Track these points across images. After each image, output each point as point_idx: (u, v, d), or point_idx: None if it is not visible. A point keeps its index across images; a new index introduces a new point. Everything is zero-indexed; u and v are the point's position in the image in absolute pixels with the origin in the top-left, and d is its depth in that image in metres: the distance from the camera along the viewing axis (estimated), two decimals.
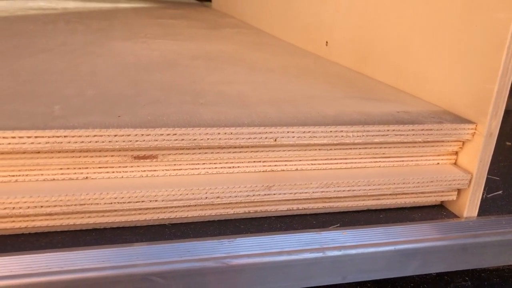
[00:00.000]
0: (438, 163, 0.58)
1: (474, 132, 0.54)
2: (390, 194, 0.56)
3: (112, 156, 0.48)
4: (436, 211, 0.59)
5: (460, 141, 0.57)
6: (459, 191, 0.58)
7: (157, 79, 0.68)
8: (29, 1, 1.96)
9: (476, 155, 0.54)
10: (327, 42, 0.98)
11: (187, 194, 0.48)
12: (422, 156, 0.58)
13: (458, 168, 0.57)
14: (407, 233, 0.53)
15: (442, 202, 0.61)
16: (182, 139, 0.47)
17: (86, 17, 1.49)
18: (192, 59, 0.86)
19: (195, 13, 1.88)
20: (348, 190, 0.53)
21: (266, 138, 0.50)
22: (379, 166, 0.56)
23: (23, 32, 1.09)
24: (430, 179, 0.55)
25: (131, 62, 0.80)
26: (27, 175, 0.47)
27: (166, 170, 0.50)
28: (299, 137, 0.50)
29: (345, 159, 0.55)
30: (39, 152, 0.46)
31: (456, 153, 0.58)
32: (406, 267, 0.52)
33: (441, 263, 0.53)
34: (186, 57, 0.89)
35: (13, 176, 0.46)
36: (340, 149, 0.54)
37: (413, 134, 0.54)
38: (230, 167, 0.52)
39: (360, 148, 0.54)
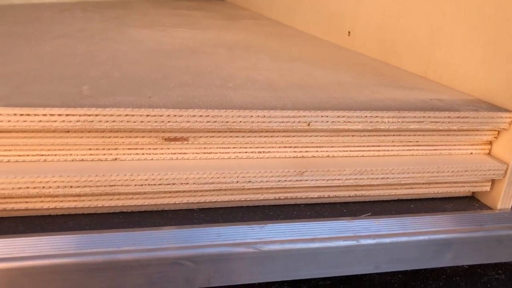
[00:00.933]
0: (471, 153, 0.57)
1: (511, 121, 0.53)
2: (423, 183, 0.54)
3: (142, 137, 0.46)
4: (468, 202, 0.58)
5: (495, 130, 0.55)
6: (493, 182, 0.56)
7: (182, 64, 0.67)
8: None
9: None
10: (349, 32, 0.96)
11: (218, 177, 0.47)
12: (455, 145, 0.56)
13: (492, 158, 0.56)
14: (441, 223, 0.51)
15: (473, 193, 0.59)
16: (215, 121, 0.46)
17: (101, 6, 1.48)
18: (214, 47, 0.85)
19: (210, 5, 1.86)
20: (382, 178, 0.51)
21: (299, 122, 0.48)
22: (412, 155, 0.55)
23: (40, 18, 1.08)
24: (464, 169, 0.54)
25: (152, 48, 0.79)
26: (55, 154, 0.46)
27: (196, 153, 0.49)
28: (333, 121, 0.49)
29: (378, 146, 0.53)
30: (68, 131, 0.45)
31: (490, 143, 0.57)
32: (440, 258, 0.51)
33: (476, 254, 0.52)
34: (208, 45, 0.87)
35: (42, 155, 0.45)
36: (373, 135, 0.52)
37: (449, 122, 0.52)
38: (260, 152, 0.51)
39: (393, 135, 0.53)
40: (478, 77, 0.59)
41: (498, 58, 0.55)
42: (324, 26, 1.09)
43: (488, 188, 0.56)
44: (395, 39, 0.79)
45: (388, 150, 0.54)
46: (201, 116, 0.46)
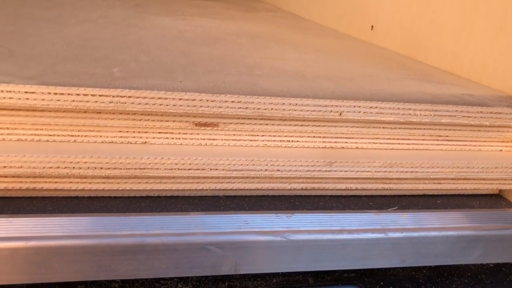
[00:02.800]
0: (501, 150, 0.56)
1: None
2: (452, 179, 0.54)
3: (173, 121, 0.46)
4: (495, 200, 0.57)
5: None
6: None
7: (207, 52, 0.67)
8: None
9: None
10: (372, 27, 0.95)
11: (247, 164, 0.47)
12: (485, 141, 0.55)
13: None
14: (469, 220, 0.51)
15: (500, 191, 0.58)
16: (246, 108, 0.46)
17: None
18: (237, 37, 0.84)
19: None
20: (411, 172, 0.51)
21: (331, 111, 0.48)
22: (442, 149, 0.54)
23: (62, 4, 1.08)
24: (494, 165, 0.53)
25: (176, 36, 0.78)
26: (86, 136, 0.46)
27: (226, 139, 0.49)
28: (365, 112, 0.48)
29: (408, 139, 0.53)
30: (100, 113, 0.45)
31: None
32: (468, 254, 0.50)
33: (505, 253, 0.51)
34: (230, 34, 0.87)
35: (72, 136, 0.45)
36: (404, 128, 0.52)
37: (481, 117, 0.51)
38: (289, 141, 0.50)
39: (424, 129, 0.52)
40: (508, 74, 0.58)
41: None
42: (346, 20, 1.07)
43: None
44: (421, 33, 0.78)
45: (418, 144, 0.53)
46: (233, 101, 0.45)
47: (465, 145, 0.55)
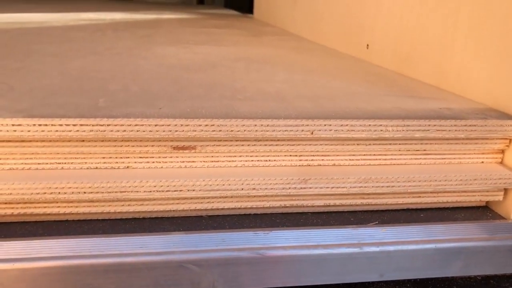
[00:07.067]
0: (482, 162, 0.56)
1: None
2: (431, 192, 0.54)
3: (152, 146, 0.49)
4: (481, 212, 0.57)
5: (506, 138, 0.54)
6: (506, 191, 0.55)
7: (199, 78, 0.70)
8: (81, 13, 2.06)
9: None
10: (367, 45, 0.97)
11: (223, 184, 0.49)
12: (465, 154, 0.56)
13: (504, 167, 0.55)
14: (449, 232, 0.51)
15: (487, 203, 0.58)
16: (220, 130, 0.48)
17: (132, 26, 1.55)
18: (233, 61, 0.88)
19: (238, 23, 1.91)
20: (387, 186, 0.52)
21: (302, 130, 0.49)
22: (420, 163, 0.55)
23: (74, 38, 1.14)
24: (473, 177, 0.53)
25: (174, 64, 0.82)
26: (71, 163, 0.49)
27: (204, 161, 0.51)
28: (336, 130, 0.50)
29: (385, 155, 0.54)
30: (83, 141, 0.48)
31: (503, 151, 0.56)
32: (448, 267, 0.50)
33: (487, 265, 0.51)
34: (228, 59, 0.90)
35: (59, 163, 0.49)
36: (379, 144, 0.53)
37: (456, 130, 0.52)
38: (266, 160, 0.52)
39: (400, 144, 0.53)
40: (489, 86, 0.59)
41: (508, 68, 0.55)
42: (345, 40, 1.10)
43: (500, 198, 0.56)
44: (410, 51, 0.79)
45: (395, 159, 0.54)
46: (206, 125, 0.48)
47: (444, 158, 0.55)
